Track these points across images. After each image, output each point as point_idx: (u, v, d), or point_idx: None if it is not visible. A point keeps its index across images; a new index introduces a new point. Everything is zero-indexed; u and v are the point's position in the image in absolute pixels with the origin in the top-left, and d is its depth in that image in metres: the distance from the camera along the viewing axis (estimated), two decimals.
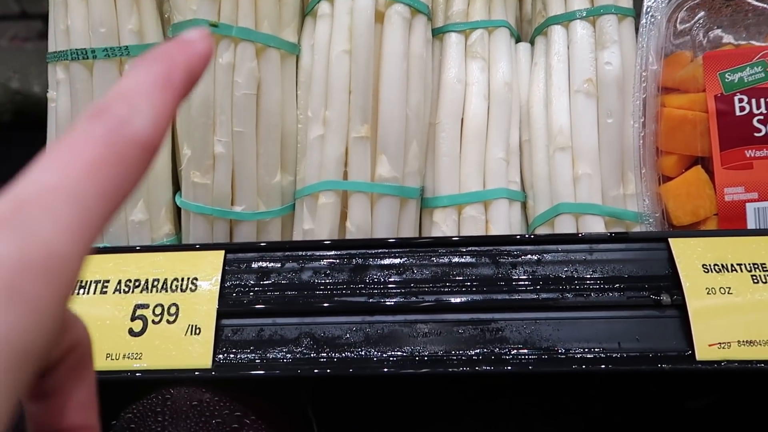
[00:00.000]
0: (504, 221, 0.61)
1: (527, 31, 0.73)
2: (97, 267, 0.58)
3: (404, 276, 0.57)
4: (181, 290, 0.56)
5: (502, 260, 0.56)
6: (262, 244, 0.62)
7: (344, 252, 0.57)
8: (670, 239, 0.55)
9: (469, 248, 0.57)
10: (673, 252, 0.55)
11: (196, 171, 0.59)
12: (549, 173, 0.62)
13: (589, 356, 0.53)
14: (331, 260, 0.57)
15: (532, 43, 0.68)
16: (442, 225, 0.61)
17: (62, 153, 0.19)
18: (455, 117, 0.62)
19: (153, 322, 0.55)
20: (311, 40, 0.62)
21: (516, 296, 0.55)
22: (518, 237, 0.59)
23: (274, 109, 0.60)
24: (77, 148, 0.19)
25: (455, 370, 0.53)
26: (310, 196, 0.61)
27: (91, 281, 0.57)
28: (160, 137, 0.21)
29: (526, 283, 0.56)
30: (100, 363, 0.53)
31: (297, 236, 0.63)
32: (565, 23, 0.63)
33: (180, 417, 0.51)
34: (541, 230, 0.62)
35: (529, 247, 0.57)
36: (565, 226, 0.60)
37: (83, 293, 0.57)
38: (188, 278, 0.57)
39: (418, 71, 0.60)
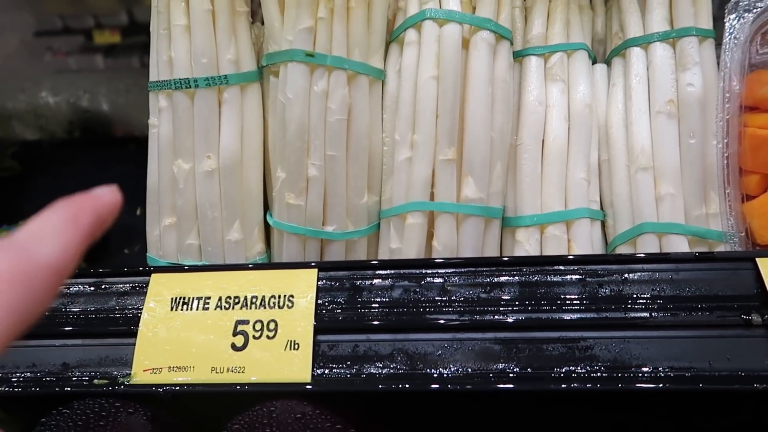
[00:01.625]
0: (586, 240, 0.62)
1: (597, 49, 0.74)
2: (199, 284, 0.61)
3: (492, 294, 0.59)
4: (279, 307, 0.59)
5: (589, 279, 0.58)
6: (353, 262, 0.65)
7: (432, 271, 0.60)
8: (757, 258, 0.56)
9: (556, 267, 0.58)
10: (761, 271, 0.55)
11: (291, 193, 0.62)
12: (630, 193, 0.63)
13: (680, 375, 0.54)
14: (420, 278, 0.60)
15: (607, 63, 0.69)
16: (526, 244, 0.62)
17: None
18: (537, 138, 0.63)
19: (254, 337, 0.58)
20: (397, 66, 0.64)
21: (604, 315, 0.56)
22: (605, 257, 0.60)
23: (362, 133, 0.62)
24: None
25: (546, 387, 0.55)
26: (397, 216, 0.63)
27: (193, 298, 0.61)
28: (66, 263, 0.24)
29: (614, 302, 0.57)
30: (206, 376, 0.57)
31: (383, 255, 0.65)
32: (644, 45, 0.64)
33: (286, 429, 0.54)
34: (622, 249, 0.63)
35: (615, 267, 0.58)
36: (648, 245, 0.61)
37: (187, 309, 0.60)
38: (285, 295, 0.60)
39: (502, 94, 0.62)
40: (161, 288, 0.62)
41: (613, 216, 0.65)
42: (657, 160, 0.61)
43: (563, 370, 0.55)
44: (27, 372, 0.59)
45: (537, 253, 0.63)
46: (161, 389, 0.57)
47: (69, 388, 0.58)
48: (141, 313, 0.61)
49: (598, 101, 0.67)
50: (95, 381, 0.58)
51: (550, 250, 0.63)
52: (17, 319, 0.22)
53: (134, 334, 0.60)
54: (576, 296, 0.57)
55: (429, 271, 0.60)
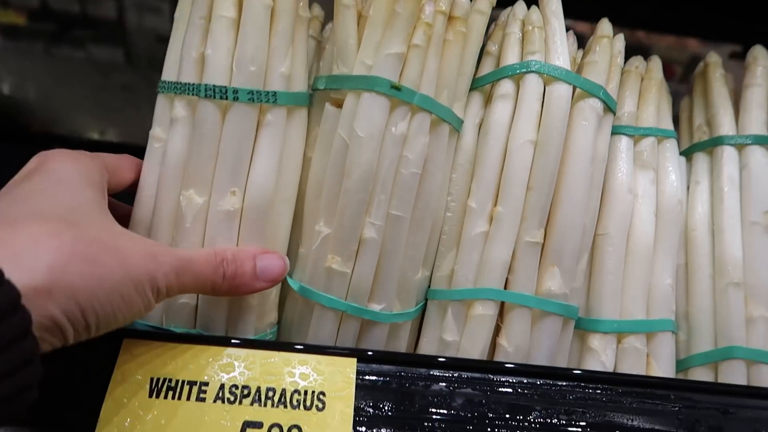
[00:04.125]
0: (669, 358, 0.53)
1: None
2: (191, 362, 0.45)
3: (575, 417, 0.47)
4: (305, 407, 0.44)
5: (686, 411, 0.49)
6: (405, 356, 0.51)
7: (505, 379, 0.48)
8: None
9: (649, 390, 0.49)
10: None
11: (337, 256, 0.47)
12: (714, 308, 0.55)
13: None
14: (489, 386, 0.47)
15: (685, 156, 0.62)
16: (602, 354, 0.52)
17: None
18: (623, 231, 0.54)
19: None
20: (477, 119, 0.53)
21: None
22: (706, 384, 0.51)
23: (434, 194, 0.50)
24: None
25: None
26: (459, 302, 0.51)
27: (183, 382, 0.44)
28: None
29: None
30: None
31: (429, 346, 0.52)
32: (739, 146, 0.58)
33: None
34: (700, 371, 0.55)
35: (718, 398, 0.49)
36: (735, 372, 0.53)
37: (173, 398, 0.43)
38: (314, 392, 0.45)
39: (599, 176, 0.53)
40: (136, 362, 0.45)
41: (687, 331, 0.57)
42: (750, 277, 0.54)
43: None
44: None
45: (612, 366, 0.53)
46: None
47: None
48: (103, 397, 0.43)
49: None
50: None
51: (628, 365, 0.53)
52: None
53: (91, 428, 0.42)
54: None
55: (502, 380, 0.48)
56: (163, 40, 1.08)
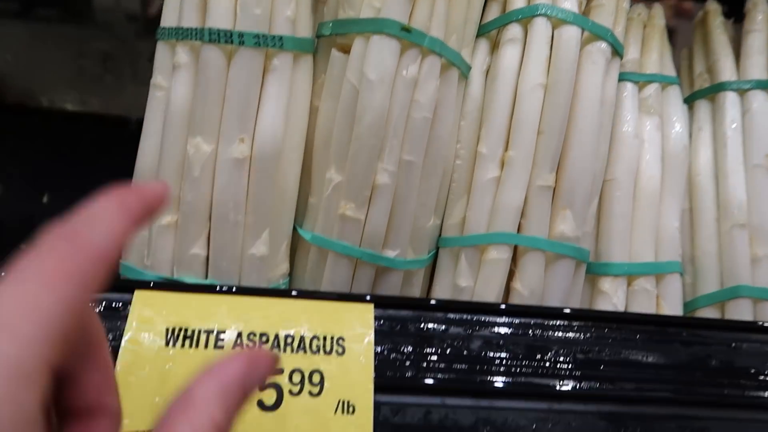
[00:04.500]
0: (677, 299, 0.54)
1: None
2: (207, 312, 0.44)
3: (591, 356, 0.48)
4: (325, 352, 0.44)
5: (698, 347, 0.49)
6: (422, 301, 0.51)
7: (524, 320, 0.48)
8: None
9: (666, 328, 0.49)
10: None
11: (350, 202, 0.47)
12: (719, 251, 0.56)
13: None
14: (506, 329, 0.47)
15: (686, 103, 0.63)
16: (613, 296, 0.53)
17: (28, 267, 0.21)
18: (631, 175, 0.55)
19: (291, 392, 0.42)
20: (484, 65, 0.53)
21: (718, 391, 0.48)
22: (717, 321, 0.52)
23: (445, 139, 0.50)
24: (40, 263, 0.21)
25: None
26: (472, 248, 0.51)
27: (200, 330, 0.43)
28: (115, 252, 0.22)
29: (729, 376, 0.49)
30: None
31: (442, 293, 0.52)
32: (741, 91, 0.59)
33: None
34: (706, 312, 0.56)
35: (727, 335, 0.50)
36: (741, 310, 0.54)
37: (191, 346, 0.43)
38: (333, 337, 0.44)
39: (608, 120, 0.53)
40: (150, 312, 0.44)
41: (693, 274, 0.57)
42: (754, 218, 0.55)
43: None
44: None
45: (623, 308, 0.54)
46: None
47: None
48: (118, 344, 0.42)
49: None
50: None
51: (638, 306, 0.53)
52: (72, 313, 0.20)
53: None
54: (686, 366, 0.48)
55: (518, 321, 0.48)
56: (144, 5, 1.04)
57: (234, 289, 0.45)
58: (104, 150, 0.85)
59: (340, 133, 0.47)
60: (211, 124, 0.46)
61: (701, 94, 0.61)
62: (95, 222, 0.23)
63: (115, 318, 0.43)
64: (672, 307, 0.54)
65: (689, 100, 0.63)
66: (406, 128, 0.47)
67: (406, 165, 0.48)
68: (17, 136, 0.96)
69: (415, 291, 0.52)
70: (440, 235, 0.54)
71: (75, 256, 0.21)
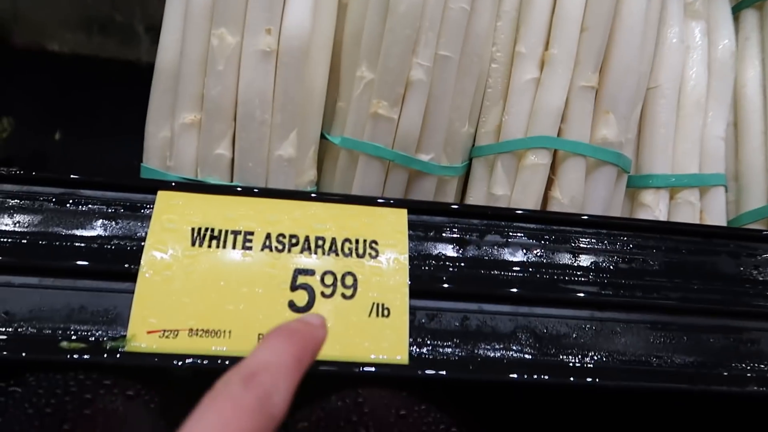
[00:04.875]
0: (722, 213, 0.52)
1: None
2: (234, 213, 0.42)
3: (635, 265, 0.46)
4: (358, 255, 0.42)
5: (746, 258, 0.47)
6: (457, 207, 0.49)
7: (565, 228, 0.45)
8: None
9: (712, 239, 0.47)
10: None
11: (383, 100, 0.44)
12: (765, 164, 0.53)
13: None
14: (546, 236, 0.45)
15: (733, 13, 0.59)
16: (655, 209, 0.50)
17: (212, 418, 0.22)
18: (676, 82, 0.52)
19: (323, 294, 0.40)
20: None
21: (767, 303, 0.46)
22: (765, 233, 0.50)
23: (482, 36, 0.47)
24: (227, 416, 0.22)
25: (708, 387, 0.43)
26: (509, 154, 0.48)
27: (228, 231, 0.41)
28: (285, 414, 0.23)
29: None
30: (250, 346, 0.38)
31: (477, 202, 0.50)
32: None
33: (390, 430, 0.37)
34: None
35: None
36: None
37: (218, 247, 0.41)
38: (366, 240, 0.42)
39: (654, 20, 0.50)
40: (174, 213, 0.42)
41: (736, 191, 0.55)
42: None
43: (731, 367, 0.43)
44: None
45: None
46: (177, 362, 0.37)
47: (17, 353, 0.36)
48: (141, 245, 0.40)
49: None
50: (63, 344, 0.37)
51: (680, 219, 0.51)
52: None
53: (130, 277, 0.39)
54: (733, 278, 0.46)
55: (561, 229, 0.45)
56: None
57: (261, 191, 0.43)
58: (115, 90, 0.83)
59: (372, 26, 0.44)
60: (236, 13, 0.43)
61: (748, 3, 0.58)
62: (276, 378, 0.23)
63: (138, 219, 0.41)
64: (716, 221, 0.51)
65: (736, 10, 0.59)
66: (442, 20, 0.44)
67: (441, 60, 0.45)
68: (29, 76, 0.93)
69: (449, 200, 0.49)
70: (473, 145, 0.51)
71: (259, 418, 0.22)
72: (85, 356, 0.36)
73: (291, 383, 0.24)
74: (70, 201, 0.41)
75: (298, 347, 0.26)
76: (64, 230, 0.41)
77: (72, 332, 0.37)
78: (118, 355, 0.36)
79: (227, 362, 0.37)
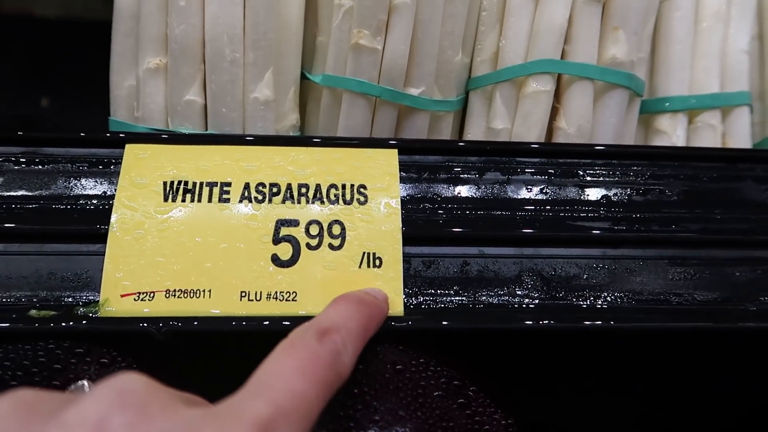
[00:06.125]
0: (746, 137, 0.47)
1: None
2: (207, 163, 0.39)
3: (650, 197, 0.42)
4: (345, 202, 0.38)
5: None
6: (450, 143, 0.45)
7: (571, 161, 0.41)
8: None
9: (737, 164, 0.43)
10: None
11: (363, 29, 0.40)
12: None
13: None
14: (551, 170, 0.41)
15: None
16: (672, 135, 0.46)
17: (291, 362, 0.23)
18: None
19: (308, 246, 0.37)
20: None
21: None
22: None
23: None
24: (305, 363, 0.23)
25: (734, 325, 0.39)
26: (508, 82, 0.43)
27: (202, 184, 0.38)
28: (348, 378, 0.25)
29: None
30: (232, 306, 0.35)
31: (476, 138, 0.46)
32: None
33: (386, 386, 0.34)
34: None
35: None
36: None
37: (192, 201, 0.37)
38: (353, 185, 0.39)
39: None
40: (143, 167, 0.38)
41: (762, 112, 0.50)
42: None
43: (759, 301, 0.40)
44: None
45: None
46: (154, 326, 0.35)
47: None
48: (110, 203, 0.37)
49: None
50: (32, 312, 0.34)
51: (701, 144, 0.47)
52: (312, 419, 0.22)
53: (101, 238, 0.36)
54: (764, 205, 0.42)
55: (568, 162, 0.41)
56: None
57: (237, 138, 0.40)
58: (103, 57, 0.80)
59: None
60: None
61: None
62: (347, 339, 0.25)
63: (106, 175, 0.38)
64: (740, 145, 0.47)
65: None
66: None
67: None
68: (17, 44, 0.90)
69: (445, 137, 0.45)
70: (469, 77, 0.46)
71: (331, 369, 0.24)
72: (56, 324, 0.34)
73: (357, 348, 0.26)
74: (33, 160, 0.39)
75: (365, 316, 0.27)
76: (28, 192, 0.38)
77: (41, 299, 0.35)
78: (91, 322, 0.34)
79: (207, 325, 0.34)
